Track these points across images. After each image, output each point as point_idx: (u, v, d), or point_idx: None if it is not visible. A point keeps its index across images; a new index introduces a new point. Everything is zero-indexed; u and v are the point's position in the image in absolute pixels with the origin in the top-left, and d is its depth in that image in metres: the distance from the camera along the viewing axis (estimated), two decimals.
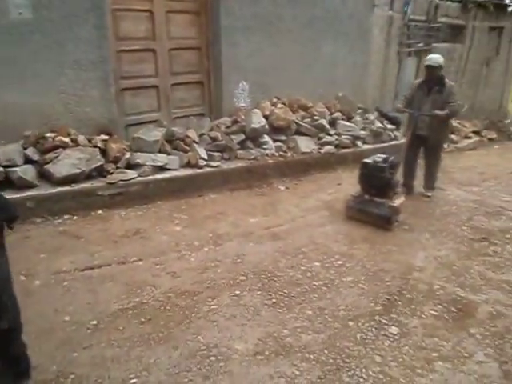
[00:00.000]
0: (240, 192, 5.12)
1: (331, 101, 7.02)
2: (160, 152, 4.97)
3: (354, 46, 7.50)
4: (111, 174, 4.54)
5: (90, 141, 4.72)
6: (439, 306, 3.16)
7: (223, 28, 5.80)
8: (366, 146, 6.60)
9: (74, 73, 4.73)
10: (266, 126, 5.72)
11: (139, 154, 4.84)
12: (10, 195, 3.78)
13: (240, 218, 4.40)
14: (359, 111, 7.33)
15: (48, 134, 4.51)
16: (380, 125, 7.02)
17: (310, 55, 6.88)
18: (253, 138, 5.62)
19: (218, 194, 5.00)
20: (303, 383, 2.38)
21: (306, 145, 5.98)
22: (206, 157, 5.12)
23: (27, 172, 4.20)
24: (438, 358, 2.63)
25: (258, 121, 5.62)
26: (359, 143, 6.56)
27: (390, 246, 4.04)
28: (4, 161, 4.14)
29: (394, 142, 6.98)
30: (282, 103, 6.30)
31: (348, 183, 5.38)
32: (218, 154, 5.29)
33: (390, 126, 6.99)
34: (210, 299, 3.07)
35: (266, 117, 5.87)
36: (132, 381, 2.35)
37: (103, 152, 4.68)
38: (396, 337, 2.79)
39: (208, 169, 5.06)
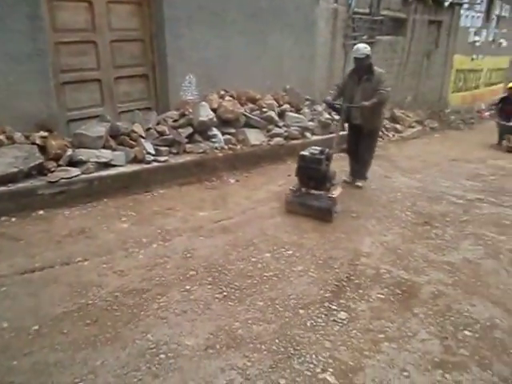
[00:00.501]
0: (189, 186, 5.04)
1: (279, 93, 7.06)
2: (104, 148, 4.79)
3: (301, 38, 7.57)
4: (52, 172, 4.32)
5: (27, 138, 4.47)
6: (385, 290, 3.27)
7: (167, 19, 5.65)
8: (315, 137, 6.69)
9: (6, 66, 4.45)
10: (215, 119, 5.67)
11: (82, 150, 4.64)
12: None
13: (189, 213, 4.33)
14: (307, 103, 7.42)
15: None
16: (328, 116, 7.14)
17: (256, 47, 6.87)
18: (201, 131, 5.54)
19: (166, 189, 4.90)
20: (255, 373, 2.38)
21: (255, 137, 5.98)
22: (153, 152, 4.99)
23: None
24: (384, 339, 2.73)
25: (205, 114, 5.55)
26: (308, 134, 6.64)
27: (339, 233, 4.13)
28: None
29: (342, 133, 7.11)
30: (230, 96, 6.26)
31: None
32: (166, 148, 5.17)
33: (337, 117, 7.12)
34: (159, 296, 3.00)
35: (214, 110, 5.81)
36: None
37: (43, 149, 4.44)
38: (345, 321, 2.86)
39: (156, 164, 4.93)
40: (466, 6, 12.28)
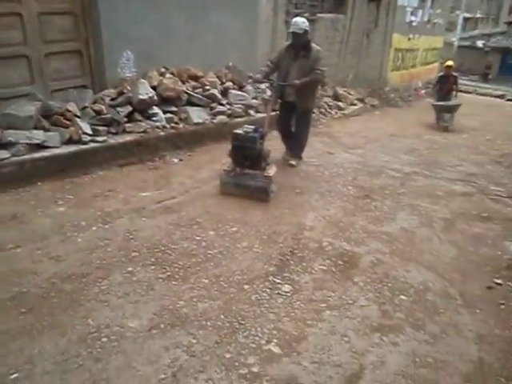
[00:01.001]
0: (131, 167, 4.87)
1: (222, 70, 6.95)
2: (36, 128, 4.50)
3: (243, 15, 7.44)
4: None
5: None
6: (328, 261, 3.37)
7: None
8: (259, 115, 6.67)
9: None
10: (155, 97, 5.48)
11: (11, 131, 4.32)
12: None
13: (131, 194, 4.20)
14: (250, 80, 7.36)
15: None
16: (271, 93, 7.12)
17: (197, 23, 6.67)
18: (141, 109, 5.35)
19: (106, 170, 4.70)
20: (200, 350, 2.38)
21: (198, 115, 5.87)
22: (90, 132, 4.76)
23: None
24: (326, 308, 2.82)
25: (145, 92, 5.35)
26: (252, 112, 6.61)
27: (283, 209, 4.19)
28: None
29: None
30: (171, 73, 6.07)
31: None
32: (104, 128, 4.94)
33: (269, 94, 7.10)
34: (100, 280, 2.90)
35: (154, 87, 5.61)
36: (13, 376, 2.15)
37: None
38: (288, 294, 2.93)
39: (94, 144, 4.71)
40: None
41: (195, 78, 6.39)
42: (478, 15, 34.26)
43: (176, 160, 5.22)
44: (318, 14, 9.36)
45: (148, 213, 3.86)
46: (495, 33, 30.15)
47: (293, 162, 5.41)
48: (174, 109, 5.78)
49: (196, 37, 6.65)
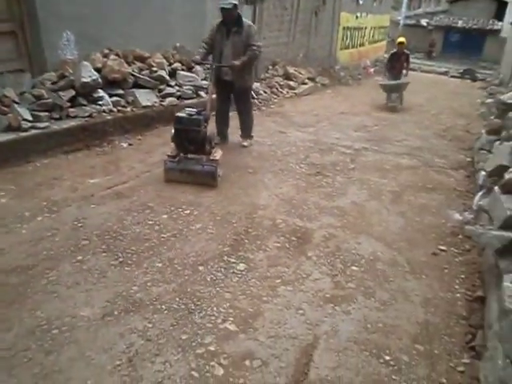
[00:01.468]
0: (77, 153, 4.68)
1: (169, 51, 6.77)
2: None
3: None
4: None
5: None
6: (282, 238, 3.42)
7: None
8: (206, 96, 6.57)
9: None
10: (99, 80, 5.25)
11: None
12: None
13: (79, 181, 4.04)
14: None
15: None
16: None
17: (139, 2, 6.42)
18: (85, 93, 5.11)
19: (51, 158, 4.49)
20: (156, 334, 2.36)
21: (146, 98, 5.70)
22: (30, 118, 4.51)
23: None
24: (280, 283, 2.86)
25: (88, 74, 5.11)
26: (202, 93, 6.51)
27: (236, 189, 4.18)
28: None
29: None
30: (116, 55, 5.83)
31: None
32: (46, 113, 4.70)
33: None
34: (47, 271, 2.79)
35: (98, 70, 5.38)
36: None
37: None
38: (243, 272, 2.94)
39: (35, 131, 4.47)
40: None
41: (141, 60, 6.19)
42: None
43: (125, 144, 5.07)
44: None
45: (97, 200, 3.74)
46: (438, 11, 31.11)
47: (245, 143, 5.41)
48: (120, 92, 5.58)
49: (139, 16, 6.40)
